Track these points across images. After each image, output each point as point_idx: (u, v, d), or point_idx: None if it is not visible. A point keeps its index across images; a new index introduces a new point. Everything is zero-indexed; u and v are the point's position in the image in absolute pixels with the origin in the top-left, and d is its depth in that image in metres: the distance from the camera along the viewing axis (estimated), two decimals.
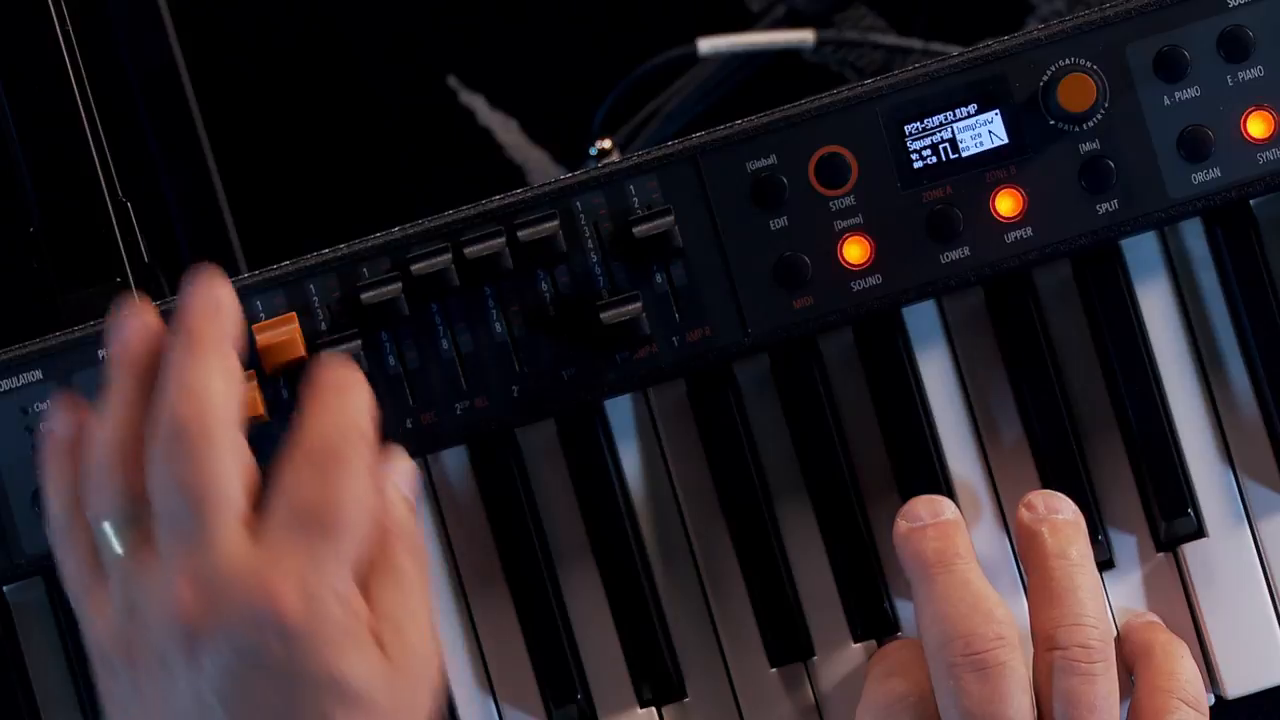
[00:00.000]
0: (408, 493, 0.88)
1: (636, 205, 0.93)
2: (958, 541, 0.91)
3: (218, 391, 0.83)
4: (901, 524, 0.91)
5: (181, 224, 1.13)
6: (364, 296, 0.92)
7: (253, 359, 0.91)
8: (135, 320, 0.86)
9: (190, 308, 0.85)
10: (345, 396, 0.85)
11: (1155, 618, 0.93)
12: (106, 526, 0.84)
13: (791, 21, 1.29)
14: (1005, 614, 0.89)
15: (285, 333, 0.91)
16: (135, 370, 0.86)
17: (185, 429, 0.82)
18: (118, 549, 0.84)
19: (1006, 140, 0.92)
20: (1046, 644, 0.89)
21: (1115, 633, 0.93)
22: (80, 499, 0.85)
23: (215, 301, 0.86)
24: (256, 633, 0.80)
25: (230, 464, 0.82)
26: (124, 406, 0.85)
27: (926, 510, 0.91)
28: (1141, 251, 0.95)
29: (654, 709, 0.95)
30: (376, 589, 0.84)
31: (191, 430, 0.82)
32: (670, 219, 0.92)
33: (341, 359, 0.87)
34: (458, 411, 0.93)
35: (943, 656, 0.88)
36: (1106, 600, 0.93)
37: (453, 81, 1.31)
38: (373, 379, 0.92)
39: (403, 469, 0.88)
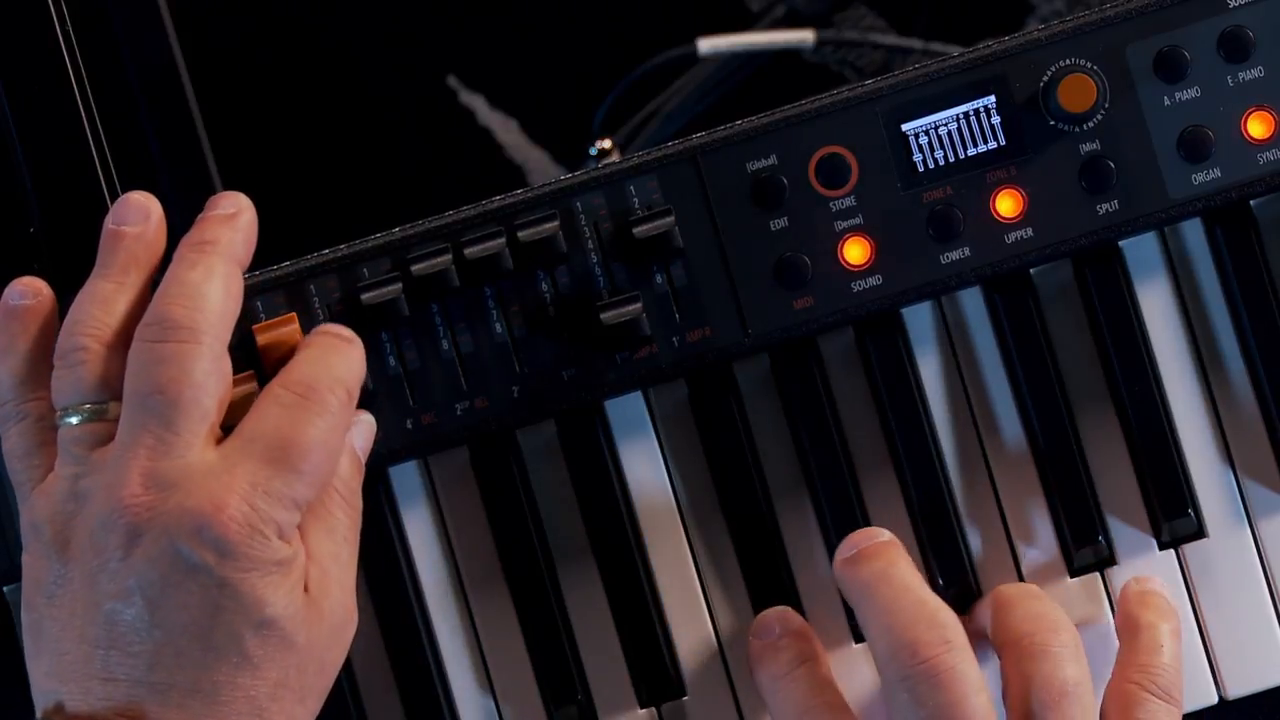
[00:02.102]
0: (361, 448, 0.90)
1: (636, 205, 0.93)
2: (894, 557, 0.90)
3: (215, 299, 0.85)
4: (839, 557, 0.91)
5: (181, 224, 1.13)
6: (364, 297, 0.92)
7: (253, 359, 0.91)
8: (139, 206, 0.88)
9: (208, 214, 0.87)
10: (338, 350, 0.87)
11: (1155, 584, 0.93)
12: (73, 411, 0.85)
13: (791, 21, 1.29)
14: (949, 618, 0.88)
15: (285, 333, 0.91)
16: (125, 256, 0.88)
17: (176, 327, 0.84)
18: (78, 430, 0.85)
19: (1006, 140, 0.92)
20: (1012, 639, 0.89)
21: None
22: (34, 375, 0.87)
23: (235, 213, 0.88)
24: (195, 539, 0.82)
25: (211, 372, 0.84)
26: (112, 291, 0.87)
27: (862, 537, 0.91)
28: (1141, 251, 0.95)
29: (654, 709, 0.95)
30: (310, 531, 0.86)
31: (181, 330, 0.84)
32: (670, 219, 0.92)
33: (346, 329, 0.89)
34: (458, 412, 0.93)
35: (893, 669, 0.87)
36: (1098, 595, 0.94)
37: (453, 81, 1.31)
38: (373, 379, 0.92)
39: (363, 423, 0.90)
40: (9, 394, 0.88)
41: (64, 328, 0.87)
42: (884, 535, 0.91)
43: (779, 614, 0.92)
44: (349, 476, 0.88)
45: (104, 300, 0.87)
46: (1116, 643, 0.93)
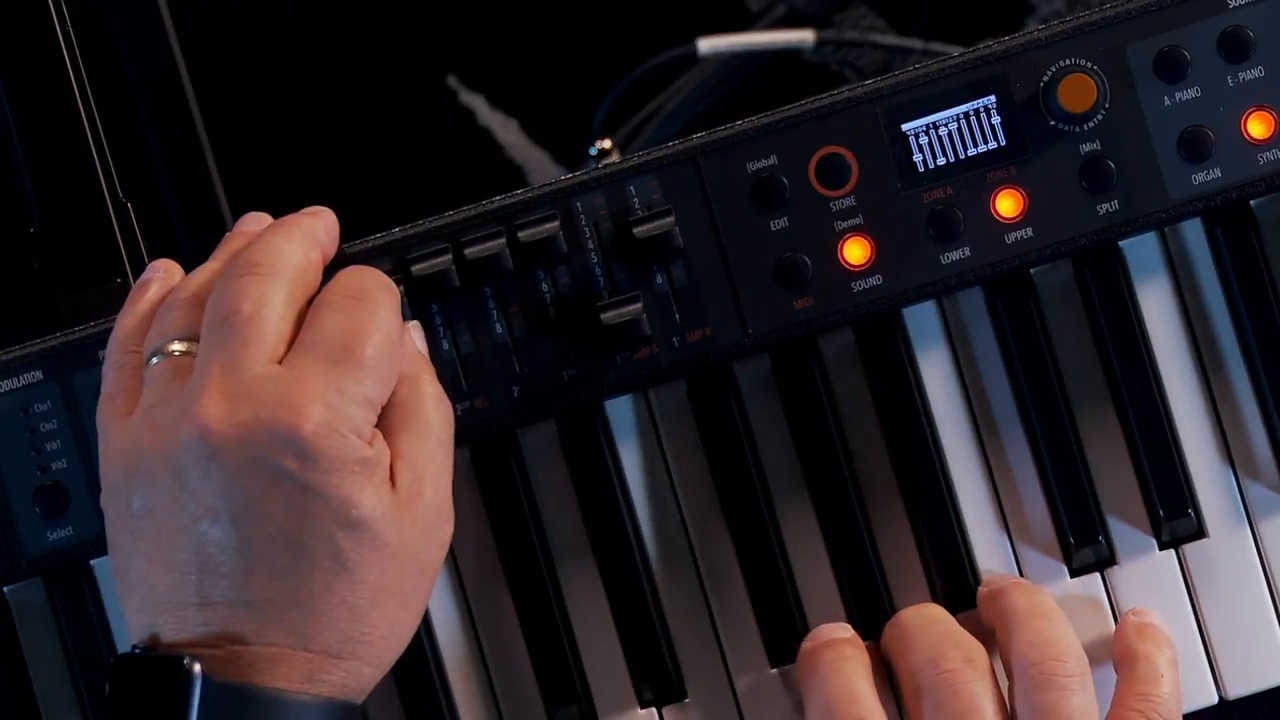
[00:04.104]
0: (421, 351, 0.90)
1: (636, 205, 0.93)
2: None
3: (294, 254, 0.87)
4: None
5: (181, 224, 1.13)
6: None
7: None
8: (254, 216, 0.92)
9: (292, 216, 0.90)
10: (371, 273, 0.88)
11: (1152, 618, 0.93)
12: (156, 352, 0.86)
13: (791, 21, 1.29)
14: (974, 642, 0.89)
15: None
16: (238, 243, 0.90)
17: (253, 266, 0.86)
18: (158, 365, 0.86)
19: (1006, 140, 0.92)
20: (1020, 665, 0.89)
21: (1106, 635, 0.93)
22: (141, 332, 0.88)
23: (319, 210, 0.90)
24: (274, 446, 0.82)
25: (283, 301, 0.85)
26: (215, 264, 0.89)
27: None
28: (1141, 251, 0.95)
29: (654, 709, 0.95)
30: (398, 433, 0.86)
31: (259, 268, 0.85)
32: (670, 219, 0.92)
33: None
34: (458, 412, 0.93)
35: (917, 682, 0.89)
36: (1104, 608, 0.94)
37: (453, 81, 1.31)
38: None
39: (416, 329, 0.91)
40: (118, 344, 0.89)
41: (170, 292, 0.89)
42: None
43: (834, 624, 0.93)
44: (430, 376, 0.88)
45: (205, 269, 0.89)
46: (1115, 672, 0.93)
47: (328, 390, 0.83)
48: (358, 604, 0.83)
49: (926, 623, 0.91)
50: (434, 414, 0.87)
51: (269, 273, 0.85)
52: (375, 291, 0.86)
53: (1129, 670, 0.91)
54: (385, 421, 0.86)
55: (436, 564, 0.87)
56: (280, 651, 0.82)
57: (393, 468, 0.85)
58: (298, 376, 0.83)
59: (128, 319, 0.89)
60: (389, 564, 0.84)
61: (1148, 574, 0.94)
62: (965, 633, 0.91)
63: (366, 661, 0.84)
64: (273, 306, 0.85)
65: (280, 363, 0.84)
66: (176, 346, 0.86)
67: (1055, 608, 0.91)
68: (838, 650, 0.91)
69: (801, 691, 0.92)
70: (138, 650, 0.83)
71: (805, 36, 1.27)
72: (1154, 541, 0.94)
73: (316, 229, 0.89)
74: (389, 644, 0.85)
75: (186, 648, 0.82)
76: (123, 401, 0.87)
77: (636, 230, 0.92)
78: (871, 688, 0.90)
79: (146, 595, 0.84)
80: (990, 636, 0.92)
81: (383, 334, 0.85)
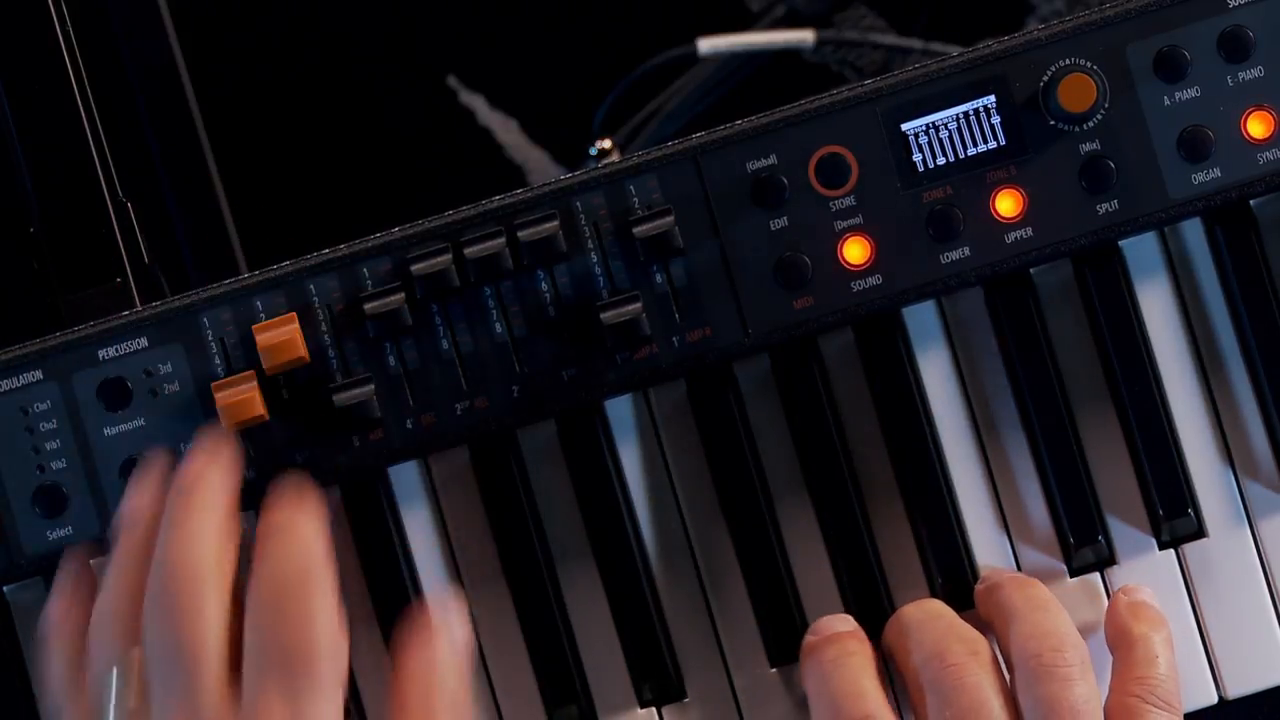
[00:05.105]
0: (462, 659, 0.88)
1: (636, 205, 0.93)
2: (849, 644, 0.91)
3: (208, 550, 0.86)
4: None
5: (181, 224, 1.13)
6: (364, 298, 0.92)
7: (253, 359, 0.91)
8: (139, 491, 0.89)
9: (188, 465, 0.88)
10: (291, 534, 0.86)
11: (1144, 595, 0.93)
12: (107, 681, 0.85)
13: (791, 21, 1.29)
14: (978, 636, 0.89)
15: (285, 333, 0.91)
16: (134, 537, 0.88)
17: (173, 587, 0.85)
18: (113, 705, 0.85)
19: (1006, 140, 0.92)
20: (1020, 658, 0.89)
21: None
22: (78, 662, 0.88)
23: (213, 458, 0.88)
24: None
25: (214, 622, 0.84)
26: (123, 572, 0.88)
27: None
28: (1141, 251, 0.95)
29: (654, 709, 0.95)
30: None
31: (180, 589, 0.85)
32: (670, 219, 0.92)
33: (291, 481, 0.89)
34: (458, 412, 0.93)
35: (922, 677, 0.88)
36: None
37: (453, 81, 1.31)
38: (374, 380, 0.92)
39: (459, 633, 0.88)
40: (63, 684, 0.89)
41: (96, 612, 0.88)
42: (845, 625, 0.92)
43: (837, 616, 0.93)
44: (455, 692, 0.87)
45: (111, 587, 0.88)
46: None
47: (285, 712, 0.82)
48: None
49: (928, 618, 0.91)
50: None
51: (188, 596, 0.84)
52: (296, 583, 0.84)
53: (1124, 653, 0.91)
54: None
55: None
56: None
57: None
58: (253, 705, 0.82)
59: (60, 657, 0.89)
60: None
61: (1147, 574, 0.94)
62: (967, 626, 0.91)
63: None
64: (204, 634, 0.84)
65: (232, 680, 0.83)
66: (119, 671, 0.85)
67: (1051, 598, 0.91)
68: (842, 645, 0.91)
69: (806, 687, 0.92)
70: None
71: (805, 36, 1.27)
72: (1154, 541, 0.94)
73: (221, 484, 0.88)
74: None
75: None
76: None
77: (636, 230, 0.92)
78: (876, 683, 0.90)
79: None
80: (990, 633, 0.92)
81: (321, 625, 0.84)
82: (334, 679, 0.84)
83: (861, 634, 0.92)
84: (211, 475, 0.88)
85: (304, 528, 0.86)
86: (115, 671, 0.85)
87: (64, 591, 0.91)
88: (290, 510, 0.87)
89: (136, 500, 0.89)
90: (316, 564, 0.85)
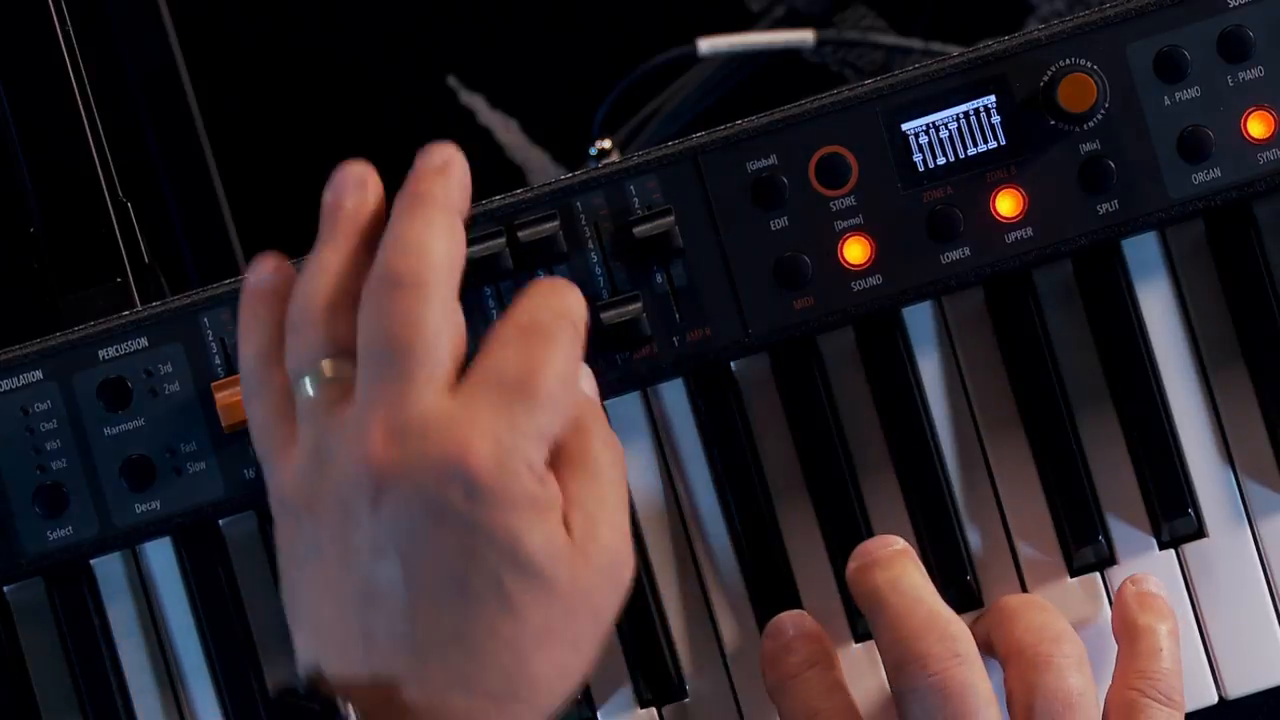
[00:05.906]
0: (594, 395, 0.87)
1: (636, 205, 0.93)
2: (907, 567, 0.90)
3: (439, 249, 0.83)
4: (852, 564, 0.91)
5: (181, 224, 1.13)
6: None
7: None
8: (356, 179, 0.87)
9: (420, 169, 0.86)
10: (561, 290, 0.85)
11: (1151, 585, 0.93)
12: (307, 375, 0.84)
13: (791, 21, 1.29)
14: (960, 630, 0.88)
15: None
16: (348, 226, 0.86)
17: (401, 279, 0.82)
18: (313, 394, 0.83)
19: (1006, 140, 0.92)
20: (1015, 650, 0.89)
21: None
22: (275, 350, 0.85)
23: (445, 163, 0.86)
24: (444, 484, 0.79)
25: (441, 319, 0.82)
26: (336, 259, 0.85)
27: (875, 545, 0.91)
28: (1141, 251, 0.95)
29: (654, 709, 0.95)
30: (569, 478, 0.83)
31: (407, 281, 0.82)
32: (670, 219, 0.92)
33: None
34: None
35: (903, 680, 0.87)
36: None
37: (453, 81, 1.31)
38: None
39: (588, 373, 0.88)
40: (252, 371, 0.86)
41: (292, 300, 0.85)
42: (897, 544, 0.90)
43: (793, 617, 0.92)
44: (600, 417, 0.86)
45: (326, 268, 0.85)
46: (1115, 643, 0.93)
47: (498, 424, 0.80)
48: (522, 646, 0.80)
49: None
50: (604, 456, 0.85)
51: (416, 288, 0.82)
52: (554, 325, 0.83)
53: (1129, 645, 0.91)
54: (554, 466, 0.83)
55: (613, 608, 0.84)
56: (440, 704, 0.80)
57: (565, 512, 0.82)
58: (467, 410, 0.80)
59: (256, 337, 0.86)
60: (557, 607, 0.81)
61: (1147, 574, 0.94)
62: (946, 613, 0.89)
63: (531, 704, 0.81)
64: (432, 328, 0.82)
65: (451, 383, 0.82)
66: (327, 368, 0.84)
67: (1048, 603, 0.91)
68: (791, 666, 0.91)
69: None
70: (299, 688, 0.82)
71: (805, 36, 1.27)
72: (1154, 541, 0.94)
73: (452, 199, 0.86)
74: (554, 688, 0.82)
75: (347, 689, 0.81)
76: (279, 432, 0.85)
77: (636, 230, 0.92)
78: (831, 697, 0.89)
79: (313, 627, 0.83)
80: (989, 648, 0.91)
81: (557, 372, 0.82)
82: (551, 427, 0.82)
83: (817, 638, 0.91)
84: (442, 180, 0.86)
85: (572, 292, 0.85)
86: (326, 363, 0.83)
87: (265, 267, 0.87)
88: (555, 294, 0.85)
89: (342, 190, 0.87)
90: (575, 320, 0.84)
